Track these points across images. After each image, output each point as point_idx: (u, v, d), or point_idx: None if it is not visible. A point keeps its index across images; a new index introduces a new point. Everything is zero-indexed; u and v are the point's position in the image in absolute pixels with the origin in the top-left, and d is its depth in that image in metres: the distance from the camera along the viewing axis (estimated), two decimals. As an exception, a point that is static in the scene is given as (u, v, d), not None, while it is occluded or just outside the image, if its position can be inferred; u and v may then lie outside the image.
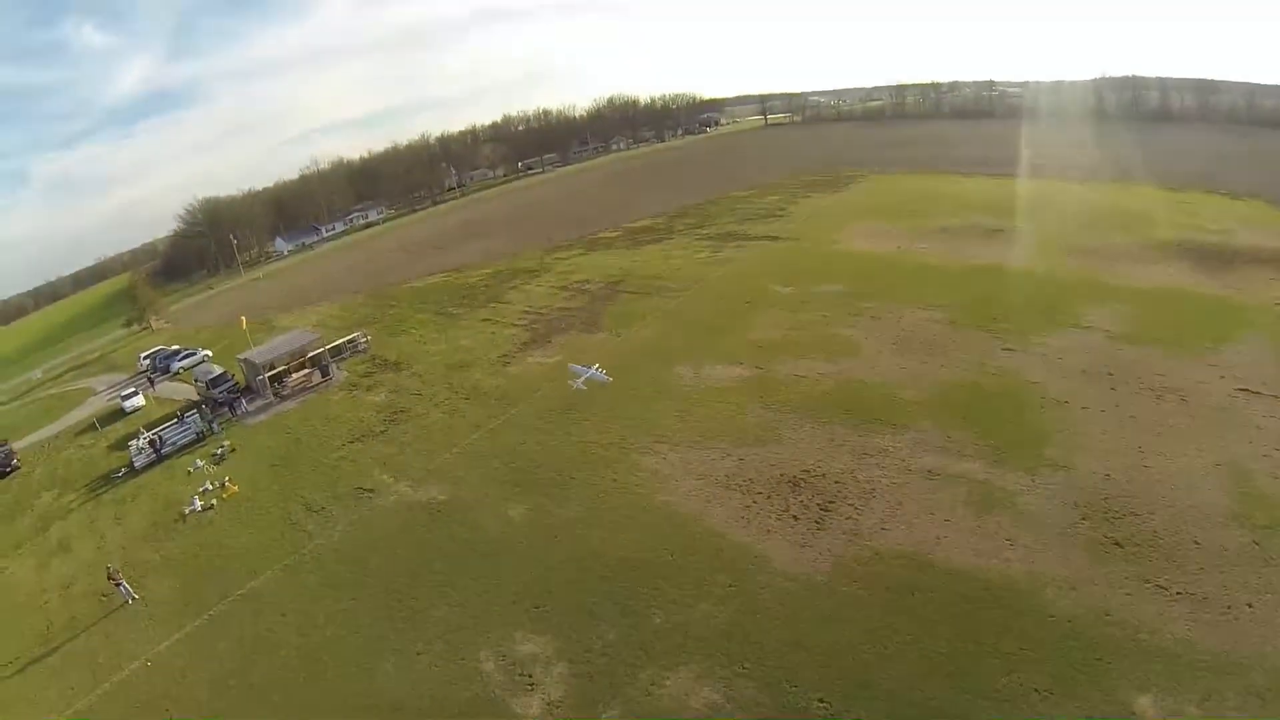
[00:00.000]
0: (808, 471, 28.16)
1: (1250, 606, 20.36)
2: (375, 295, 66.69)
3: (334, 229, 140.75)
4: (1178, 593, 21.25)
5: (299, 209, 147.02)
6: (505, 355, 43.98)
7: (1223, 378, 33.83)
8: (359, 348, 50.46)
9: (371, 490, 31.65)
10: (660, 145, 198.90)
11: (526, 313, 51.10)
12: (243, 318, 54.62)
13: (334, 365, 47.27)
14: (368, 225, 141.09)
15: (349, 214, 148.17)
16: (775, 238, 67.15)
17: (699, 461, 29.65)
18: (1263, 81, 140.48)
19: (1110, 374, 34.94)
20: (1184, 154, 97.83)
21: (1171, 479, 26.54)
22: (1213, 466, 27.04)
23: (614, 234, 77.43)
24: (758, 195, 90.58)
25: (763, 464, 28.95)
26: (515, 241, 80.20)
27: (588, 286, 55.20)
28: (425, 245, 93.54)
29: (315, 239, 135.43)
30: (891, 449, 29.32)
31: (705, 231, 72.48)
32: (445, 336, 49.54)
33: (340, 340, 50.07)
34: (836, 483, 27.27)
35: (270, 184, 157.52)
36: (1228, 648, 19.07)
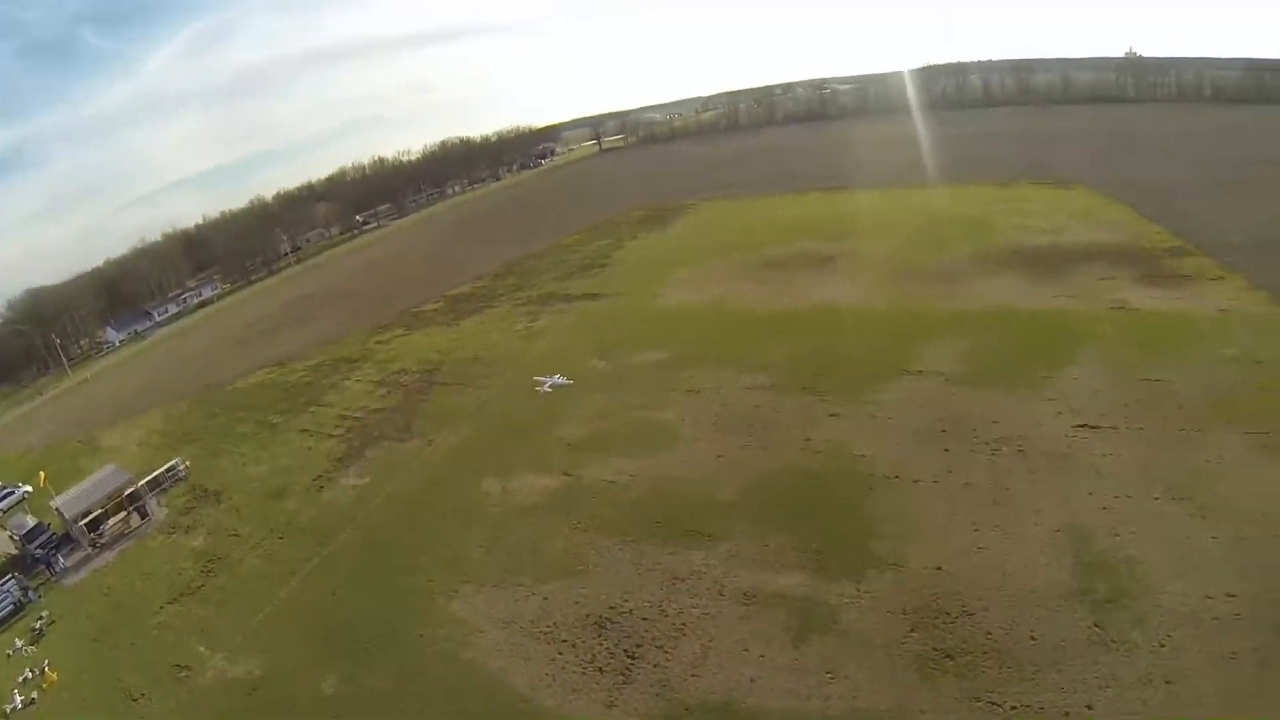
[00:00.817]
0: (614, 609, 27.91)
1: (1090, 709, 20.10)
2: (200, 401, 66.38)
3: (166, 312, 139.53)
4: (1012, 708, 20.75)
5: (131, 289, 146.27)
6: (320, 477, 44.31)
7: (1060, 414, 34.76)
8: (178, 475, 50.82)
9: (189, 668, 30.89)
10: (495, 185, 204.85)
11: (343, 418, 51.89)
12: (42, 474, 50.49)
13: (153, 502, 47.82)
14: (201, 304, 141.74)
15: (182, 293, 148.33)
16: (595, 296, 67.68)
17: (504, 604, 29.62)
18: (1075, 56, 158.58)
19: (944, 431, 35.02)
20: (1010, 140, 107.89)
21: (1007, 560, 26.28)
22: (1052, 534, 27.13)
23: (436, 306, 77.73)
24: (583, 241, 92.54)
25: (569, 602, 28.83)
26: (341, 322, 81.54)
27: (404, 379, 56.19)
28: (253, 332, 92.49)
29: (147, 325, 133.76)
30: (704, 569, 28.92)
31: (526, 294, 73.02)
32: (266, 454, 50.09)
33: (159, 470, 50.29)
34: (645, 620, 27.02)
35: (100, 262, 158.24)
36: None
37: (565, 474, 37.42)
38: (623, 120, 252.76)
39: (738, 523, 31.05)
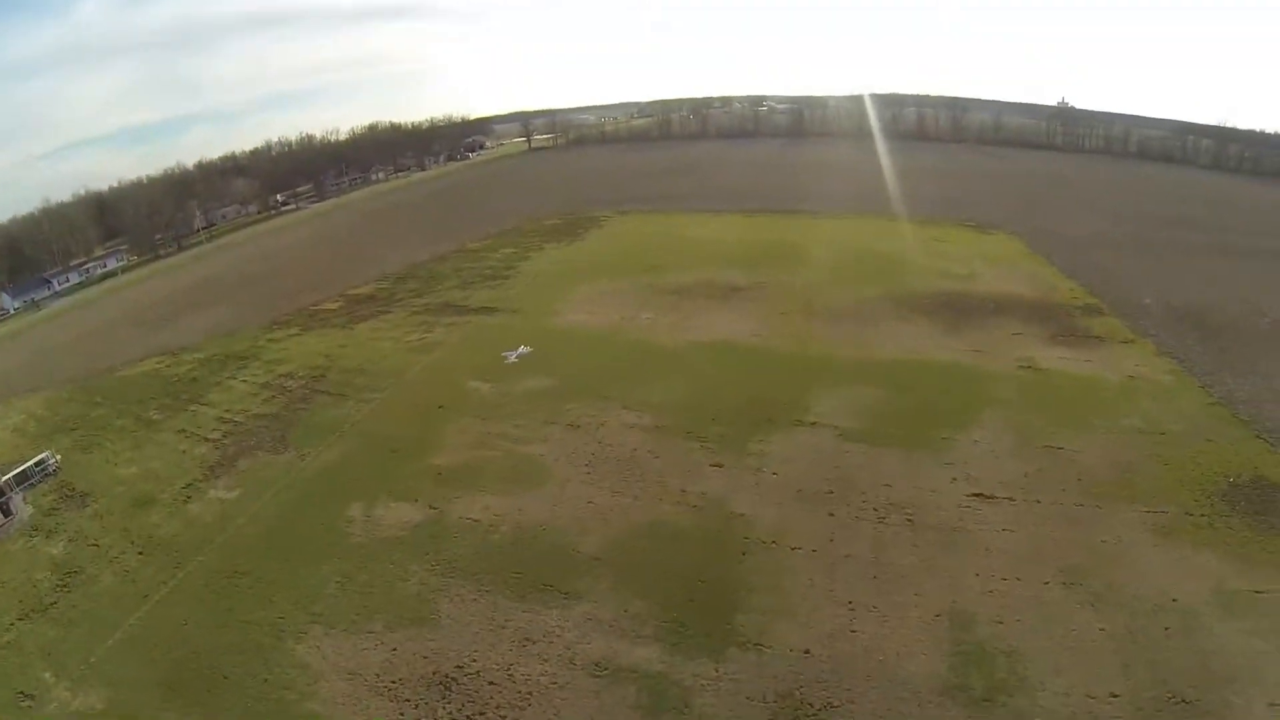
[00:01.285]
0: (461, 668, 27.17)
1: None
2: (84, 387, 64.46)
3: (68, 281, 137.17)
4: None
5: (34, 254, 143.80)
6: (190, 485, 43.29)
7: (956, 480, 34.42)
8: (48, 470, 49.26)
9: (32, 696, 29.74)
10: (419, 175, 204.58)
11: (223, 420, 51.09)
12: None
13: (19, 498, 46.06)
14: (105, 276, 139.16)
15: (86, 262, 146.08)
16: (493, 309, 66.41)
17: (352, 652, 28.72)
18: (1009, 99, 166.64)
19: (830, 493, 34.10)
20: (938, 177, 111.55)
21: (882, 646, 25.38)
22: (931, 619, 26.36)
23: (335, 305, 76.53)
24: (492, 247, 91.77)
25: (417, 655, 28.06)
26: (239, 313, 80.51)
27: (289, 384, 55.47)
28: (152, 314, 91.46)
29: (46, 294, 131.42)
30: (558, 631, 28.02)
31: (425, 301, 72.18)
32: (139, 454, 48.81)
33: (28, 463, 48.66)
34: (491, 684, 26.28)
35: (4, 219, 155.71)
36: None
37: (431, 507, 36.48)
38: (555, 119, 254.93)
39: (599, 580, 30.02)
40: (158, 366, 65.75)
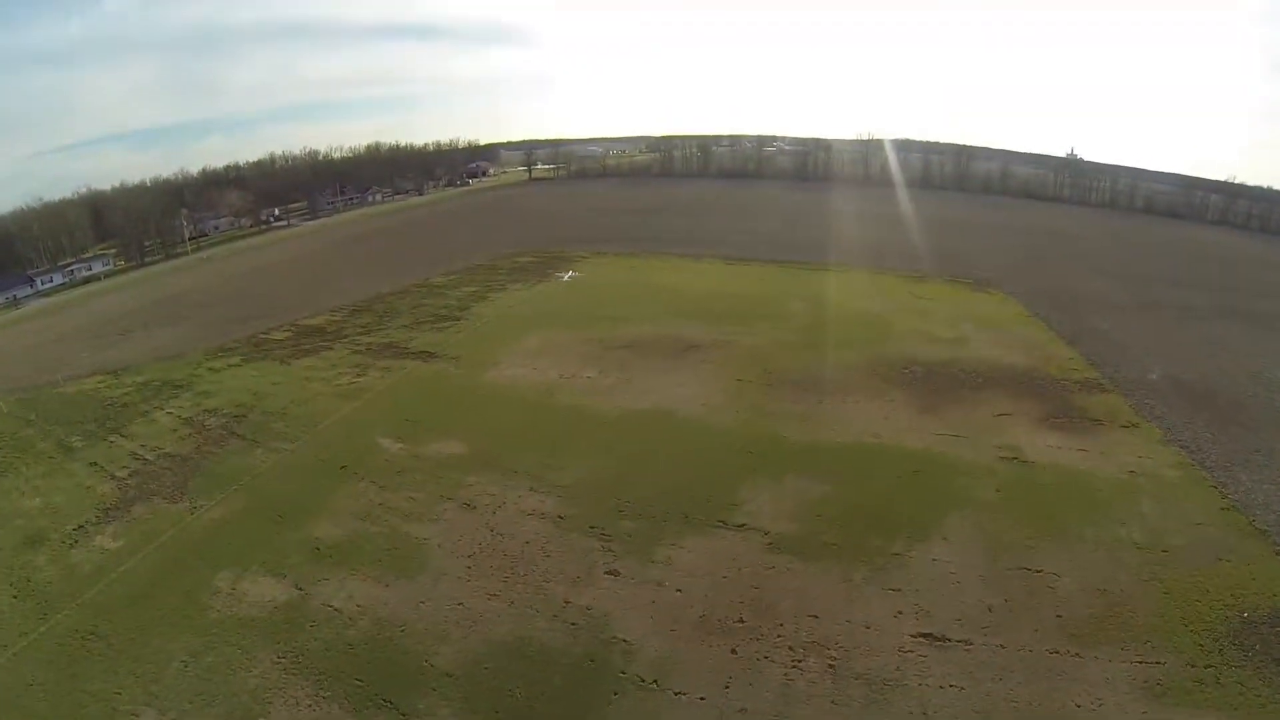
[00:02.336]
0: None
1: None
2: (23, 402, 62.91)
3: (50, 281, 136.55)
4: None
5: (24, 251, 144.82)
6: (81, 528, 40.80)
7: (901, 614, 27.60)
8: None
9: None
10: (416, 200, 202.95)
11: (135, 457, 48.62)
12: None
13: None
14: (87, 280, 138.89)
15: (73, 263, 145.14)
16: (432, 355, 62.23)
17: None
18: (1017, 149, 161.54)
19: (740, 622, 27.48)
20: (938, 227, 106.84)
21: None
22: None
23: (284, 335, 74.18)
24: (456, 283, 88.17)
25: None
26: (193, 334, 79.41)
27: (210, 422, 53.00)
28: (114, 327, 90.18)
29: (27, 293, 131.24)
30: None
31: (368, 340, 68.67)
32: (47, 485, 46.72)
33: None
34: None
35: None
36: None
37: (297, 587, 32.98)
38: (560, 150, 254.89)
39: (443, 703, 25.55)
40: (99, 386, 64.41)
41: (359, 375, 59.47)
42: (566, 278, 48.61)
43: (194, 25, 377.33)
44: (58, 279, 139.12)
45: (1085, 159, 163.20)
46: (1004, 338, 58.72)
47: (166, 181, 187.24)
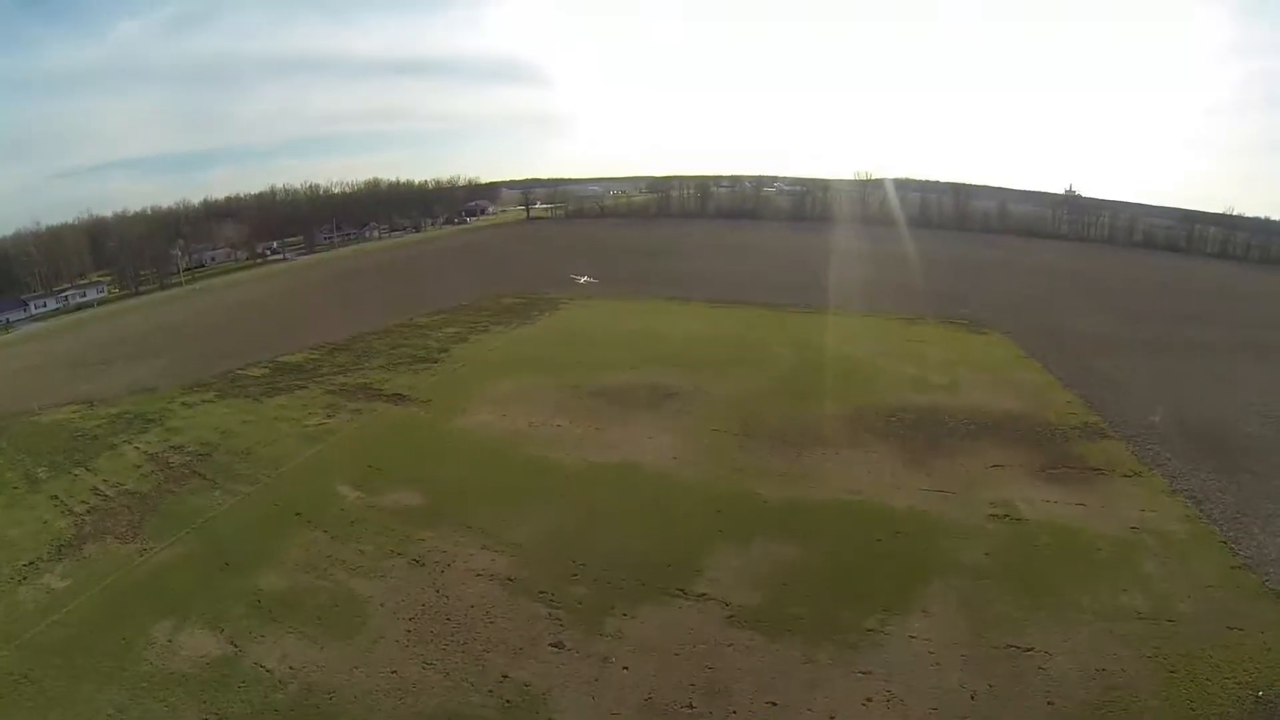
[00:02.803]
0: None
1: None
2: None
3: (44, 307, 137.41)
4: None
5: (21, 274, 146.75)
6: (33, 564, 39.77)
7: (869, 701, 24.50)
8: None
9: None
10: (412, 237, 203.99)
11: (97, 493, 47.54)
12: None
13: None
14: (80, 306, 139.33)
15: (69, 289, 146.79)
16: (404, 398, 60.51)
17: None
18: (1015, 187, 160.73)
19: (690, 707, 24.48)
20: (935, 267, 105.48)
21: None
22: None
23: (261, 371, 73.31)
24: (440, 323, 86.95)
25: None
26: (173, 367, 78.94)
27: (174, 459, 51.88)
28: (96, 356, 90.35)
29: (21, 317, 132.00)
30: None
31: (343, 380, 67.44)
32: (6, 517, 46.04)
33: None
34: None
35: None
36: None
37: (233, 643, 31.15)
38: (557, 190, 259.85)
39: None
40: (72, 416, 64.40)
41: (328, 416, 58.27)
42: (583, 281, 46.77)
43: (203, 56, 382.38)
44: (51, 304, 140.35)
45: (1083, 195, 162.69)
46: (999, 381, 56.05)
47: (167, 211, 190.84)
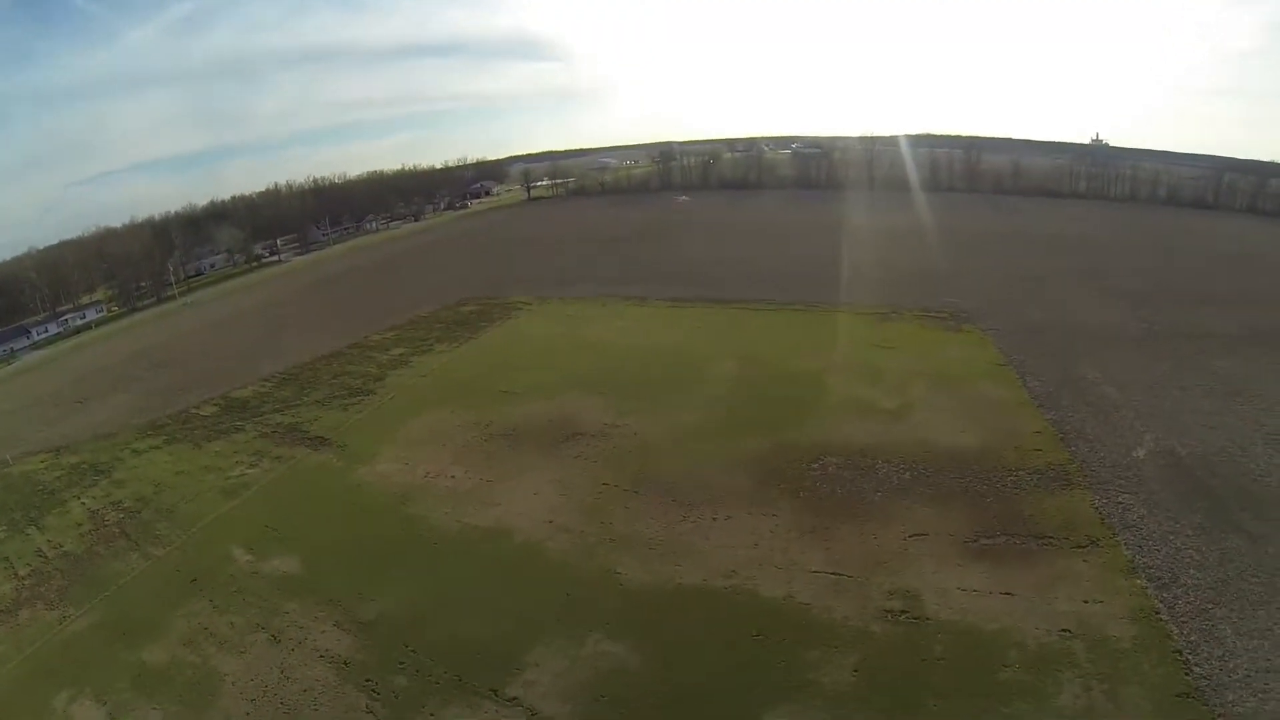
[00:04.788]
0: None
1: None
2: None
3: (45, 332, 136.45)
4: None
5: (27, 296, 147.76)
6: None
7: None
8: None
9: None
10: (406, 229, 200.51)
11: (39, 555, 47.75)
12: None
13: None
14: (78, 330, 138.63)
15: (70, 310, 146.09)
16: (325, 442, 58.50)
17: None
18: (1039, 139, 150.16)
19: None
20: (933, 241, 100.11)
21: None
22: None
23: (211, 410, 72.57)
24: (391, 342, 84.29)
25: None
26: (137, 404, 78.24)
27: (110, 517, 51.51)
28: (74, 392, 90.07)
29: (22, 345, 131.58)
30: None
31: (279, 419, 65.92)
32: None
33: None
34: None
35: (30, 248, 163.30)
36: None
37: (111, 717, 31.71)
38: (564, 164, 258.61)
39: None
40: (40, 467, 64.66)
41: (251, 466, 57.01)
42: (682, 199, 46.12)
43: (215, 53, 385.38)
44: (53, 329, 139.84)
45: (1110, 145, 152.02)
46: (961, 403, 49.27)
47: (163, 220, 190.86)
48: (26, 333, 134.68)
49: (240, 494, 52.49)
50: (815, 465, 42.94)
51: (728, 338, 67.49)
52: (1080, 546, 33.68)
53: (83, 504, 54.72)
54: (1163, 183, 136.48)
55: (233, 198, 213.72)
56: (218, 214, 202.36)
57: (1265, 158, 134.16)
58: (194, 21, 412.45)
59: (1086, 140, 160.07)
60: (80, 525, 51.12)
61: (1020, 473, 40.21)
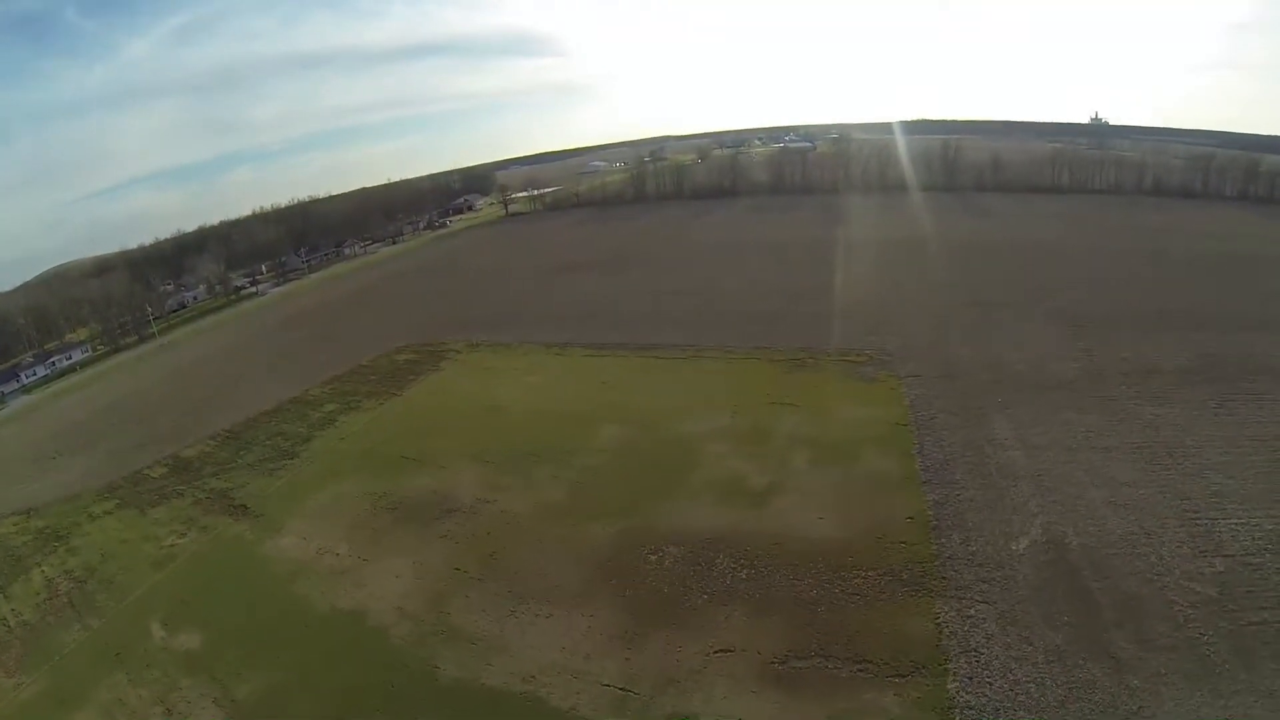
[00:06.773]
0: None
1: None
2: None
3: (34, 375, 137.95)
4: None
5: (14, 339, 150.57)
6: None
7: None
8: None
9: None
10: (381, 254, 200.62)
11: (3, 621, 49.32)
12: None
13: None
14: (65, 371, 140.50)
15: (53, 356, 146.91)
16: (245, 510, 58.96)
17: None
18: (1036, 120, 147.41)
19: None
20: (887, 257, 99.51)
21: None
22: None
23: (160, 471, 72.27)
24: (327, 396, 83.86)
25: None
26: (99, 464, 78.24)
27: (63, 587, 53.01)
28: (52, 445, 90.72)
29: (14, 388, 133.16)
30: None
31: (214, 484, 66.03)
32: None
33: None
34: None
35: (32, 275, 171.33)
36: None
37: None
38: (565, 165, 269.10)
39: None
40: (11, 531, 65.73)
41: (181, 536, 57.94)
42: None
43: (213, 63, 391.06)
44: (41, 371, 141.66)
45: (1110, 122, 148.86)
46: (838, 481, 46.67)
47: (147, 250, 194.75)
48: (17, 376, 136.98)
49: (167, 565, 53.55)
50: (655, 556, 42.09)
51: (629, 394, 66.39)
52: (900, 675, 31.12)
53: (42, 571, 56.02)
54: (1149, 170, 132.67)
55: (199, 228, 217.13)
56: (196, 245, 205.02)
57: (1264, 131, 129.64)
58: (190, 34, 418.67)
59: (1086, 119, 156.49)
60: (39, 593, 52.50)
61: (870, 573, 37.69)
